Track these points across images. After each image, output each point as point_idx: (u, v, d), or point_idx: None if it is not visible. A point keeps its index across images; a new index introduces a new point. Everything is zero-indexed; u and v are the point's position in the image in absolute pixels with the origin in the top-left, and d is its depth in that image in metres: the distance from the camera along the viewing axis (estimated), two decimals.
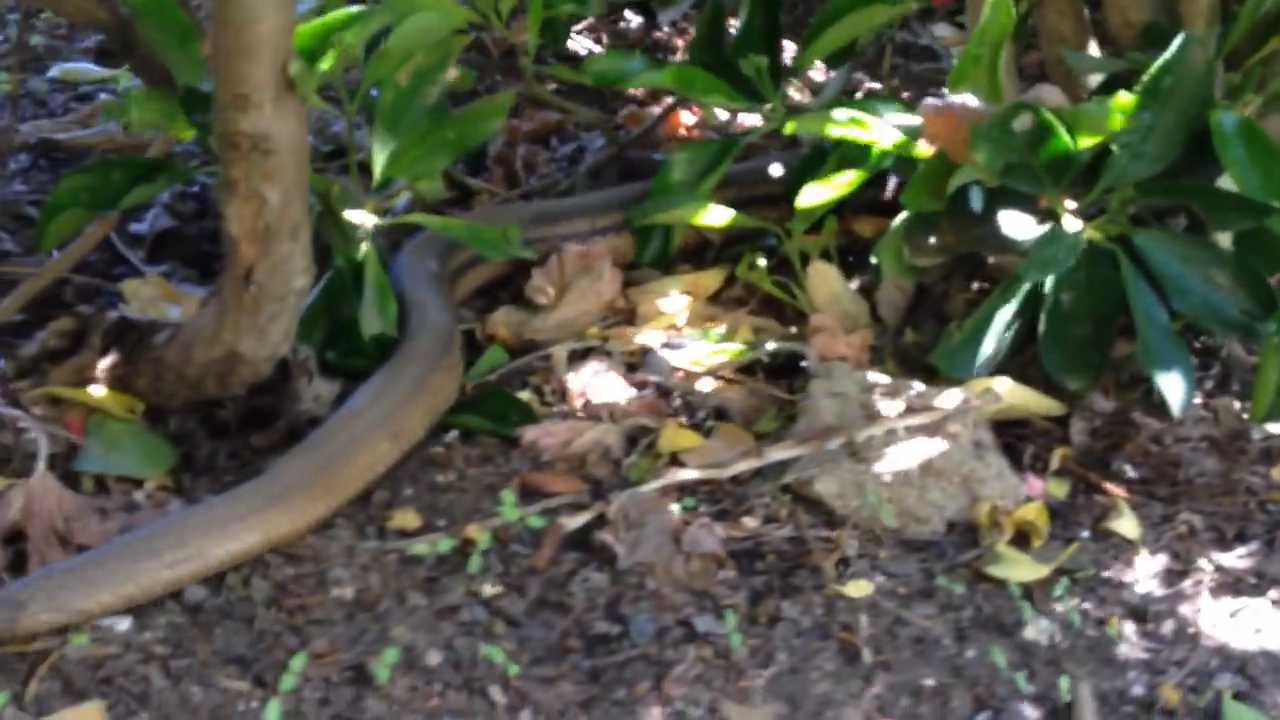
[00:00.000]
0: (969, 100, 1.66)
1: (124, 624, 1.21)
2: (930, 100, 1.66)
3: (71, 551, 1.23)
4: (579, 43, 2.64)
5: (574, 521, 1.37)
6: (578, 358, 1.68)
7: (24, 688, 1.13)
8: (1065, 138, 1.60)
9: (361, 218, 1.60)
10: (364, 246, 1.58)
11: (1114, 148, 1.63)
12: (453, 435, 1.51)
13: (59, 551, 1.23)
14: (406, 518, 1.38)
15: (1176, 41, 1.60)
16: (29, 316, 1.63)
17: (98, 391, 1.44)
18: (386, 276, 1.60)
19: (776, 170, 1.95)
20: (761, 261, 1.85)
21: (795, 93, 2.32)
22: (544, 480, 1.44)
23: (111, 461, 1.37)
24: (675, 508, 1.39)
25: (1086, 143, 1.62)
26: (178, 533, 1.22)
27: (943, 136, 1.67)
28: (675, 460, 1.49)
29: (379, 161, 1.61)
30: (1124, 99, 1.59)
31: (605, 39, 2.76)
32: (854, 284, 1.82)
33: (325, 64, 1.46)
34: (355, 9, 1.54)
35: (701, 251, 1.95)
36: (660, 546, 1.34)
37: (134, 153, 2.12)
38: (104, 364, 1.46)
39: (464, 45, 1.71)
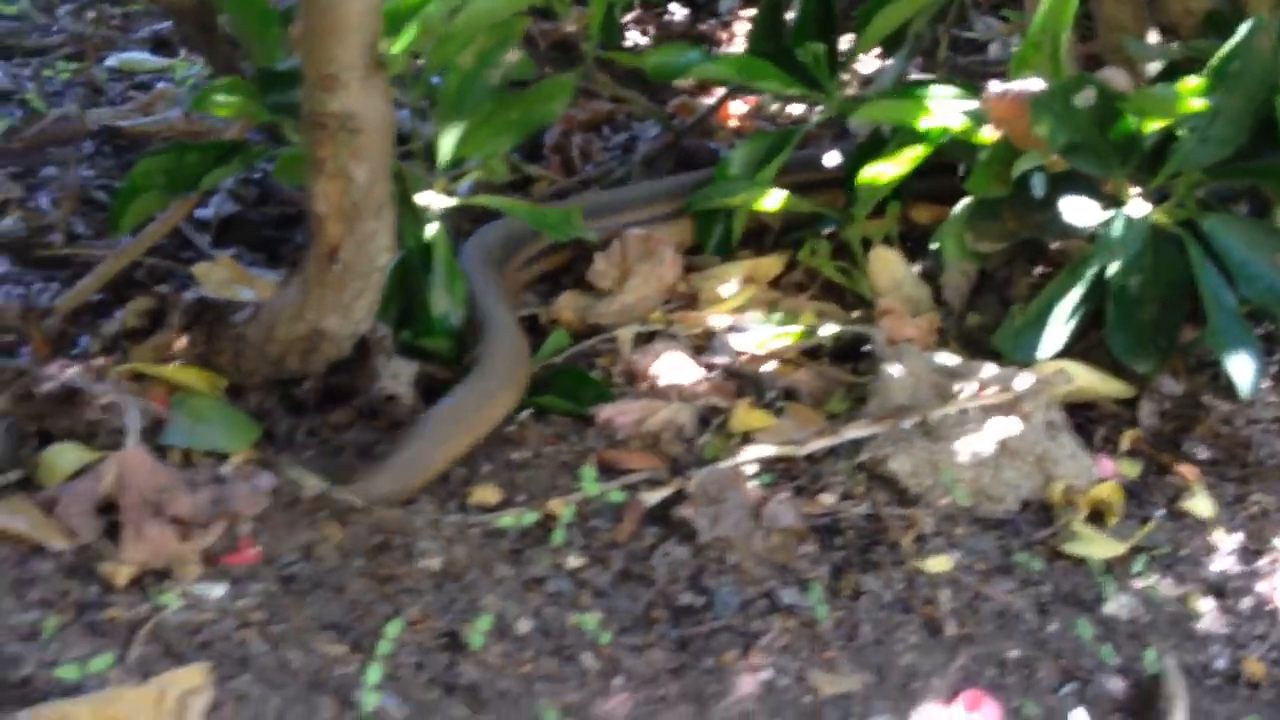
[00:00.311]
0: (1033, 83, 1.67)
1: (219, 591, 1.22)
2: (994, 84, 1.67)
3: (164, 522, 1.25)
4: (625, 36, 2.66)
5: (653, 497, 1.38)
6: (642, 341, 1.70)
7: (125, 651, 1.15)
8: (1131, 118, 1.61)
9: (430, 199, 1.61)
10: (433, 228, 1.60)
11: (1180, 132, 1.64)
12: (525, 414, 1.52)
13: (152, 521, 1.25)
14: (486, 493, 1.39)
15: (1244, 26, 1.61)
16: (106, 297, 1.65)
17: (180, 368, 1.46)
18: (455, 258, 1.62)
19: (832, 159, 1.97)
20: (823, 247, 1.87)
21: (848, 82, 2.33)
22: (620, 457, 1.46)
23: (198, 435, 1.39)
24: (753, 484, 1.40)
25: (1153, 126, 1.63)
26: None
27: (1007, 120, 1.68)
28: (747, 439, 1.50)
29: (445, 143, 1.62)
30: (1191, 83, 1.60)
31: (652, 31, 2.78)
32: (915, 269, 1.83)
33: (404, 42, 1.48)
34: None
35: (760, 237, 1.96)
36: (740, 521, 1.35)
37: (194, 139, 2.15)
38: (184, 342, 1.47)
39: (524, 29, 1.73)
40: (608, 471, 1.43)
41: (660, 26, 2.81)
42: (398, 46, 1.41)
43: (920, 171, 1.79)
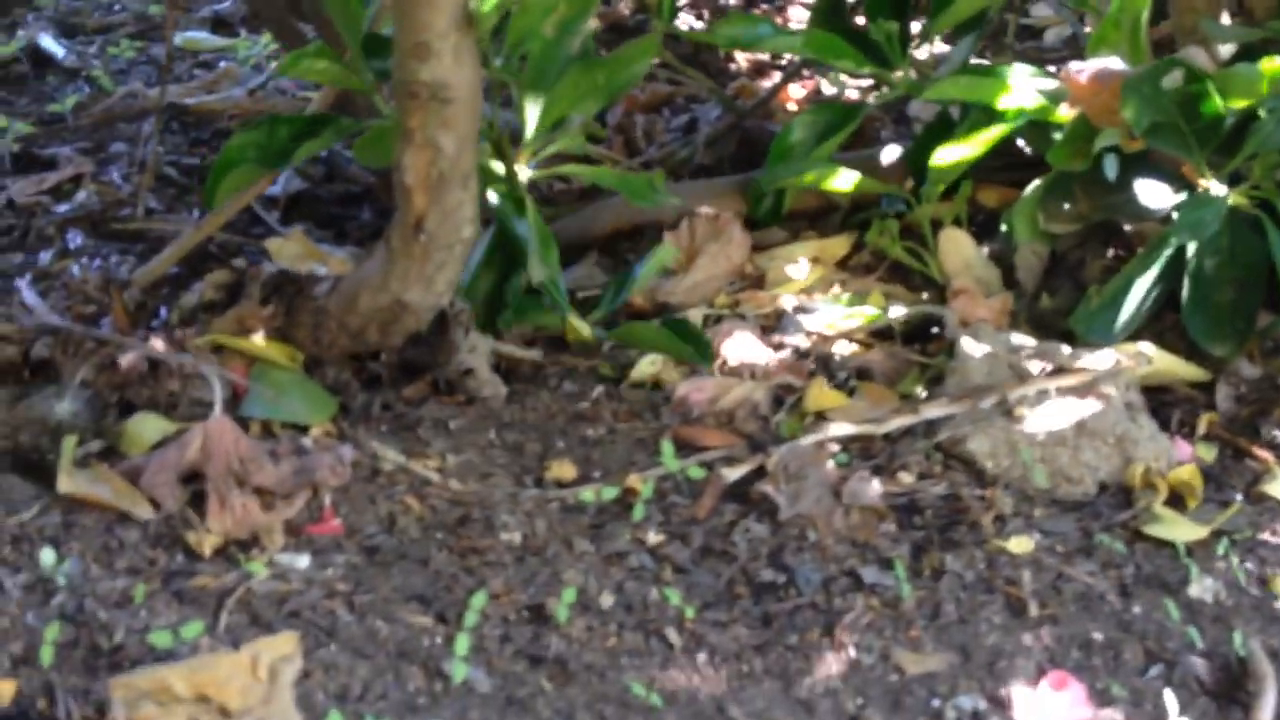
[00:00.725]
0: (1114, 63, 1.65)
1: (303, 561, 1.23)
2: (1075, 63, 1.66)
3: (249, 493, 1.26)
4: (680, 19, 2.65)
5: (733, 473, 1.38)
6: (712, 321, 1.69)
7: (215, 619, 1.15)
8: (1217, 99, 1.59)
9: (519, 170, 1.61)
10: (520, 196, 1.59)
11: (1261, 113, 1.62)
12: (599, 391, 1.52)
13: (237, 491, 1.25)
14: (563, 469, 1.39)
15: None
16: (182, 271, 1.66)
17: (259, 341, 1.47)
18: (548, 225, 1.61)
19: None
20: (891, 227, 1.85)
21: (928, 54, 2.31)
22: (697, 434, 1.45)
23: (278, 407, 1.39)
24: (831, 462, 1.40)
25: (1236, 106, 1.61)
26: None
27: (1087, 99, 1.66)
28: (822, 418, 1.49)
29: (530, 111, 1.62)
30: (1275, 63, 1.58)
31: (707, 15, 2.77)
32: (989, 249, 1.82)
33: (494, 1, 1.47)
34: None
35: (826, 215, 1.95)
36: (821, 499, 1.34)
37: (259, 117, 2.16)
38: (264, 314, 1.48)
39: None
40: (684, 448, 1.43)
41: (715, 10, 2.80)
42: (488, 5, 1.41)
43: (992, 151, 1.78)
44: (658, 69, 2.11)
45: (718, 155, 2.14)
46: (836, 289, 1.79)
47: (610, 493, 1.34)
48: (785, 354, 1.63)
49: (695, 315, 1.70)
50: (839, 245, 1.89)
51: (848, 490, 1.35)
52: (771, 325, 1.70)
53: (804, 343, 1.66)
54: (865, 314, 1.70)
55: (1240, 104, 1.61)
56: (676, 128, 2.29)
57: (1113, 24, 1.69)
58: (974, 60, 2.22)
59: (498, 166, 1.61)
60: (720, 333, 1.64)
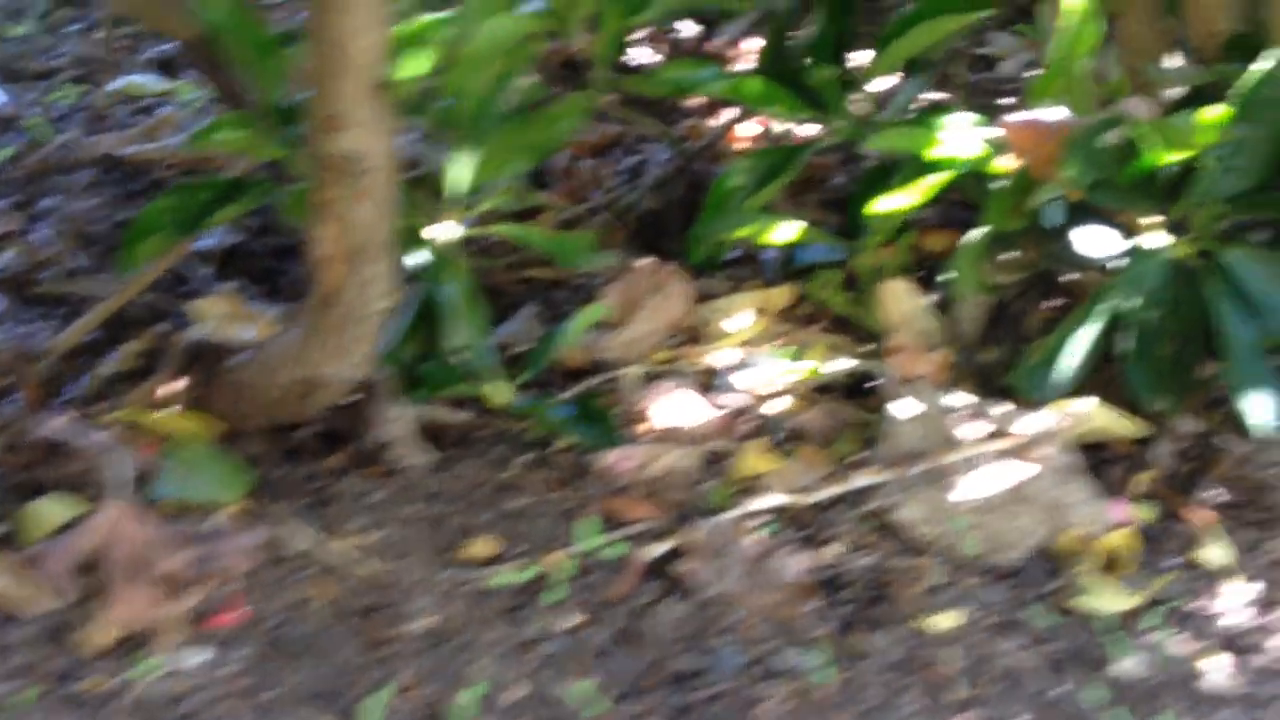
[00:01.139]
0: (1055, 113, 1.63)
1: (204, 655, 1.20)
2: (1016, 114, 1.63)
3: (150, 582, 1.22)
4: (633, 54, 2.62)
5: (654, 550, 1.35)
6: (649, 378, 1.66)
7: None
8: (1154, 153, 1.57)
9: (445, 230, 1.58)
10: (448, 258, 1.57)
11: (1203, 162, 1.59)
12: (528, 457, 1.49)
13: (138, 581, 1.22)
14: (484, 545, 1.36)
15: (1273, 54, 1.56)
16: (103, 335, 1.63)
17: (174, 414, 1.43)
18: (475, 286, 1.58)
19: None
20: (833, 278, 1.82)
21: (858, 105, 2.29)
22: (622, 506, 1.42)
23: (190, 486, 1.36)
24: (758, 535, 1.37)
25: (1174, 157, 1.59)
26: None
27: (1028, 151, 1.64)
28: (755, 484, 1.46)
29: (459, 171, 1.59)
30: (1214, 112, 1.55)
31: (665, 49, 2.74)
32: (927, 301, 1.79)
33: (413, 69, 1.45)
34: (437, 15, 1.53)
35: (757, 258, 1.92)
36: (743, 576, 1.31)
37: (196, 168, 2.12)
38: (180, 385, 1.45)
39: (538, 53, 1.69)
40: (610, 521, 1.39)
41: (672, 45, 2.78)
42: (405, 73, 1.38)
43: (939, 196, 1.75)
44: (611, 108, 2.07)
45: (666, 199, 2.12)
46: (780, 341, 1.76)
47: (529, 573, 1.31)
48: (721, 413, 1.60)
49: (632, 372, 1.67)
50: (782, 295, 1.86)
51: (772, 567, 1.32)
52: (710, 382, 1.67)
53: (741, 400, 1.63)
54: (806, 369, 1.67)
55: (1180, 154, 1.58)
56: (626, 169, 2.26)
57: (1055, 73, 1.67)
58: (937, 95, 2.21)
59: (427, 227, 1.58)
60: (653, 392, 1.61)
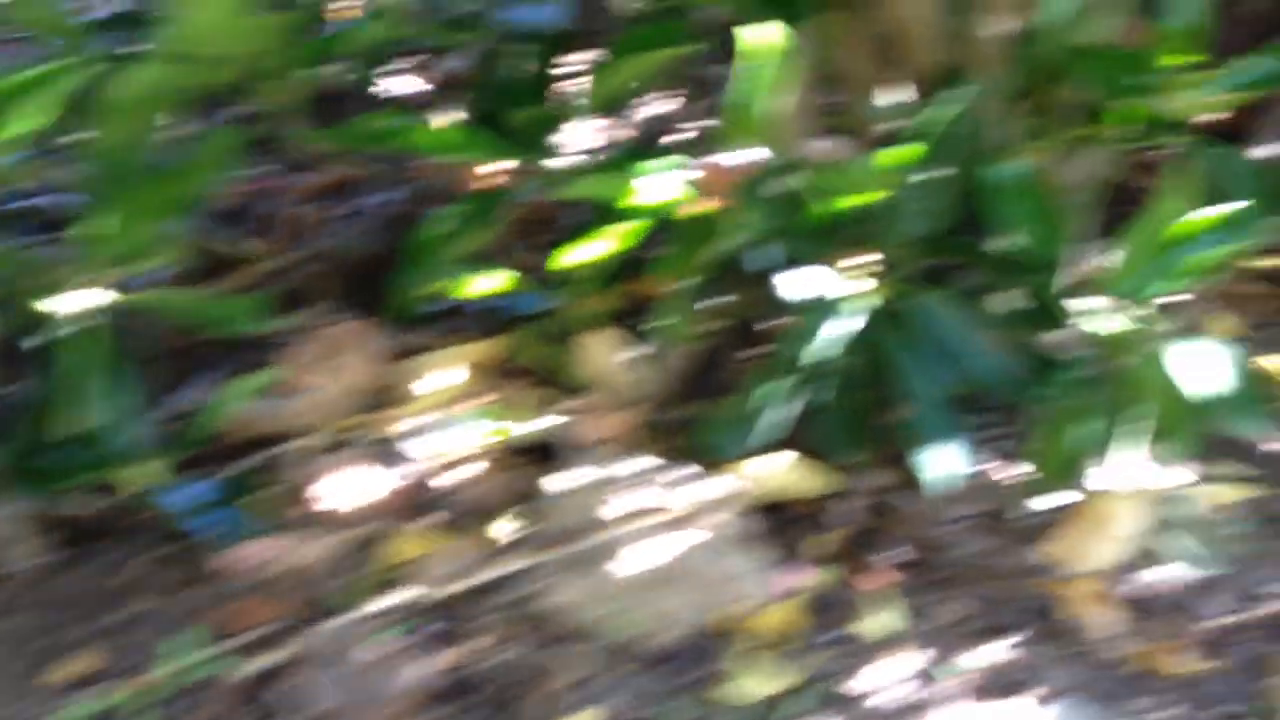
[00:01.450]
0: (739, 156, 1.56)
1: None
2: (706, 157, 1.56)
3: None
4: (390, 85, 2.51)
5: (266, 661, 1.24)
6: (329, 449, 1.56)
7: None
8: (829, 200, 1.51)
9: (89, 297, 1.47)
10: (91, 329, 1.45)
11: (894, 203, 1.54)
12: (161, 551, 1.38)
13: None
14: (83, 662, 1.24)
15: (964, 92, 1.51)
16: None
17: None
18: (121, 357, 1.47)
19: None
20: (544, 329, 1.74)
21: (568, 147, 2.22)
22: (237, 611, 1.31)
23: None
24: (386, 636, 1.27)
25: (854, 202, 1.52)
26: None
27: (714, 194, 1.57)
28: (400, 573, 1.36)
29: (101, 232, 1.47)
30: (898, 152, 1.50)
31: (435, 79, 2.64)
32: (632, 354, 1.70)
33: (16, 127, 1.33)
34: (53, 64, 1.42)
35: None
36: (359, 688, 1.21)
37: None
38: None
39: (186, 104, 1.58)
40: (223, 628, 1.28)
41: (446, 75, 2.68)
42: (8, 132, 1.27)
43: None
44: (307, 156, 1.97)
45: (389, 243, 2.02)
46: (482, 400, 1.67)
47: (120, 697, 1.20)
48: (395, 488, 1.50)
49: (302, 444, 1.57)
50: (489, 349, 1.76)
51: (393, 674, 1.23)
52: (394, 451, 1.58)
53: (423, 470, 1.53)
54: (493, 432, 1.58)
55: (859, 199, 1.52)
56: (351, 213, 2.15)
57: (734, 113, 1.60)
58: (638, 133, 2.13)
59: (56, 297, 1.46)
60: (321, 468, 1.51)
